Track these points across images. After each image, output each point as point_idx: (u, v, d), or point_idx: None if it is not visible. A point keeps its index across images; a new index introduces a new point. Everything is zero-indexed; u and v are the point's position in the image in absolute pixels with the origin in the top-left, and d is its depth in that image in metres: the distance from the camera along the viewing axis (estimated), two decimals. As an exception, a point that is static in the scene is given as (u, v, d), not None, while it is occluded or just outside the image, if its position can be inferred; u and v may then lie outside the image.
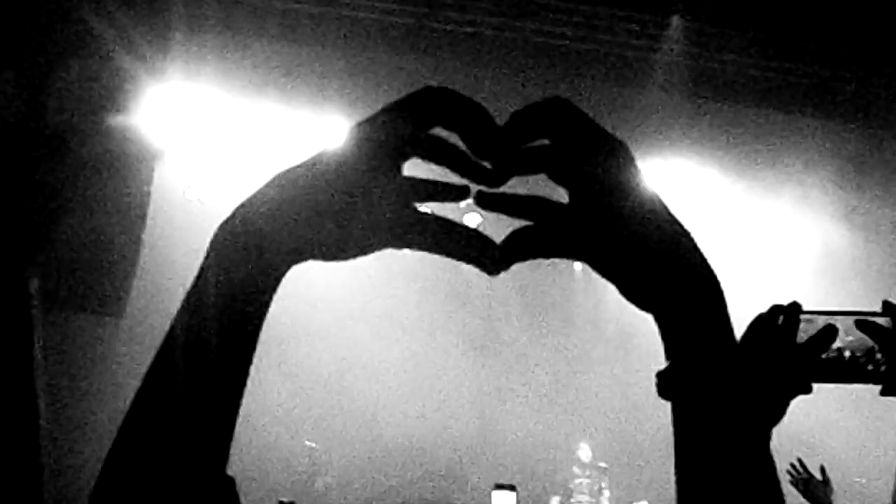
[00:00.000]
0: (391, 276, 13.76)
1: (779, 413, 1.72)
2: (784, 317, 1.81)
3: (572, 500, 12.23)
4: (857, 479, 11.34)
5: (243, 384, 0.92)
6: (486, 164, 0.91)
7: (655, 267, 0.90)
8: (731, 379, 0.89)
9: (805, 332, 1.80)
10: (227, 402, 0.91)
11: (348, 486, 12.85)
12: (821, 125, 12.25)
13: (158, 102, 11.92)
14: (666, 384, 0.93)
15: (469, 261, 0.91)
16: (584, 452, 12.49)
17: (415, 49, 11.80)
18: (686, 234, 0.92)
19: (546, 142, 0.92)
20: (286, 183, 0.92)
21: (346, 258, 0.93)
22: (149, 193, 12.01)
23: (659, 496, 12.57)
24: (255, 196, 0.93)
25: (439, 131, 0.94)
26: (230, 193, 12.78)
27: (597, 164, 0.90)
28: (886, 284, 12.19)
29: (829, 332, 1.79)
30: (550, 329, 13.95)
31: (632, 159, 0.91)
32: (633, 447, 13.59)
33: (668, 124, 12.79)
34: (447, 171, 0.93)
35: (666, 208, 0.92)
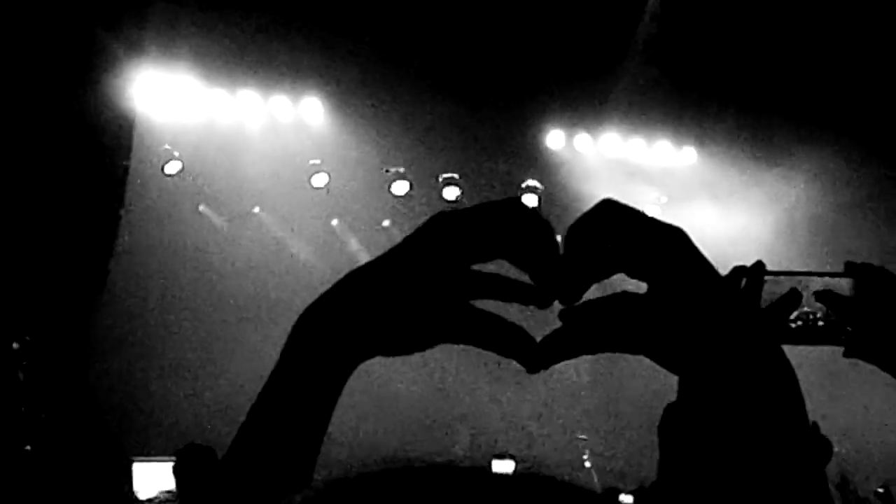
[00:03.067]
0: (370, 260, 13.77)
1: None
2: (748, 277, 1.81)
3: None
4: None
5: (316, 453, 0.99)
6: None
7: (717, 348, 0.92)
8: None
9: (770, 293, 1.80)
10: (301, 459, 0.98)
11: (350, 473, 12.87)
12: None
13: (137, 78, 11.88)
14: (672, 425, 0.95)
15: (511, 356, 0.95)
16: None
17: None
18: (748, 313, 0.96)
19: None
20: (358, 283, 0.98)
21: (404, 353, 0.98)
22: (126, 168, 11.97)
23: (639, 464, 12.72)
24: (330, 293, 0.98)
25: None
26: (208, 171, 12.75)
27: (662, 254, 0.93)
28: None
29: (794, 296, 1.80)
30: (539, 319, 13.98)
31: (690, 243, 0.95)
32: (614, 420, 13.71)
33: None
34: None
35: (726, 286, 0.97)
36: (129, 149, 11.95)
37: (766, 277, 1.81)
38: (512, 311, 0.96)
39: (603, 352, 0.96)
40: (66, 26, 10.23)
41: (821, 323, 1.83)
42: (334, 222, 13.77)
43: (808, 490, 0.90)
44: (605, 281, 0.97)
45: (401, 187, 13.29)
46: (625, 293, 0.94)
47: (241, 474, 0.97)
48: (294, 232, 13.47)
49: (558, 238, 0.96)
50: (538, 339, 0.96)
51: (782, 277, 1.83)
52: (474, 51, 11.83)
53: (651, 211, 13.23)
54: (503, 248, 0.95)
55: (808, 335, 1.82)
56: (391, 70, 12.21)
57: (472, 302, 0.96)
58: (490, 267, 0.97)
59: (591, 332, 0.94)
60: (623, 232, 0.94)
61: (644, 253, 0.93)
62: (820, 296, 1.80)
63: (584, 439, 12.78)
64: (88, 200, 11.05)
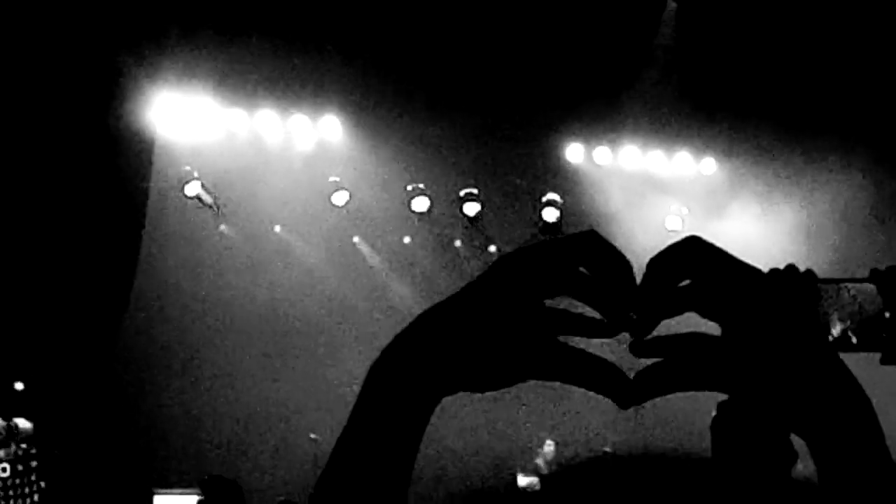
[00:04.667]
0: (394, 277, 13.79)
1: None
2: (804, 288, 1.80)
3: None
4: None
5: (405, 494, 0.97)
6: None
7: (806, 396, 0.92)
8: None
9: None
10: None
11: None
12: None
13: (157, 101, 11.95)
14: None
15: (604, 393, 0.94)
16: (548, 448, 12.76)
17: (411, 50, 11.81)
18: (835, 359, 0.93)
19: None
20: (437, 319, 0.96)
21: (492, 389, 0.96)
22: (147, 189, 12.03)
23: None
24: (409, 330, 0.96)
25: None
26: (229, 191, 12.80)
27: (744, 297, 0.92)
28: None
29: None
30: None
31: (776, 287, 0.94)
32: (603, 441, 13.66)
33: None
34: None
35: (816, 333, 0.94)
36: (149, 170, 12.02)
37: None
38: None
39: (691, 390, 0.94)
40: (87, 52, 10.31)
41: (855, 331, 1.82)
42: (355, 239, 13.78)
43: None
44: (675, 320, 0.95)
45: (421, 204, 13.29)
46: (700, 334, 0.93)
47: None
48: (315, 250, 13.48)
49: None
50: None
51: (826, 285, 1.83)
52: (492, 67, 11.85)
53: (672, 222, 13.29)
54: (578, 281, 0.94)
55: (842, 343, 1.81)
56: (409, 87, 12.24)
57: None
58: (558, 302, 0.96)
59: (682, 368, 0.93)
60: (705, 270, 0.93)
61: (724, 294, 0.92)
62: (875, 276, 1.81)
63: (612, 453, 12.72)
64: (110, 222, 11.11)
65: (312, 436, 11.82)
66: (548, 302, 0.95)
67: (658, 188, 13.64)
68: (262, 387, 12.82)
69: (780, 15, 11.43)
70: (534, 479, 12.56)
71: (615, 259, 0.93)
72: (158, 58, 11.59)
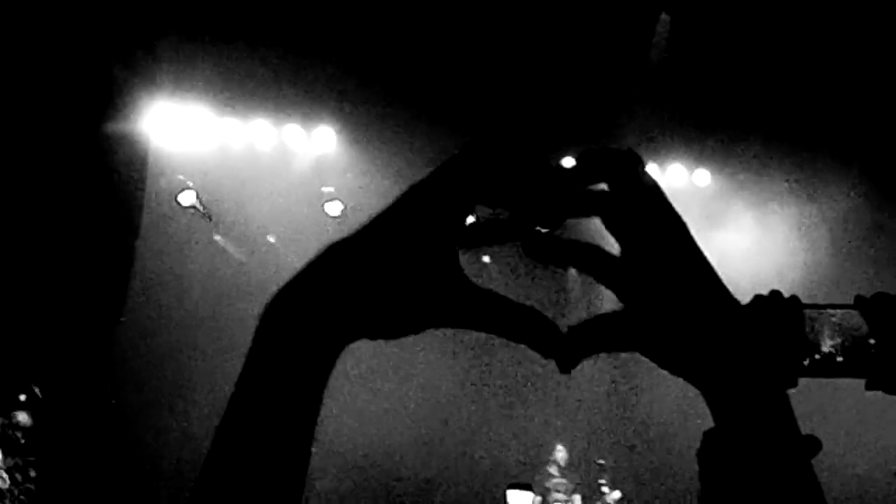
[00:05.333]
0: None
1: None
2: (788, 313, 1.81)
3: (549, 499, 12.43)
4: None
5: (307, 461, 0.85)
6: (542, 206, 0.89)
7: (706, 344, 0.87)
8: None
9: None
10: (290, 469, 0.85)
11: (346, 490, 12.89)
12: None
13: (150, 110, 11.95)
14: (709, 450, 0.92)
15: (531, 346, 0.86)
16: (561, 454, 12.70)
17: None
18: (734, 303, 0.91)
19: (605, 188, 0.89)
20: (337, 258, 0.88)
21: (397, 337, 0.87)
22: (141, 200, 12.02)
23: (627, 485, 12.70)
24: (306, 271, 0.88)
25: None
26: (222, 201, 12.79)
27: (652, 225, 0.88)
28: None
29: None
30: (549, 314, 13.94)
31: (686, 230, 0.89)
32: (615, 447, 13.67)
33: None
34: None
35: (718, 281, 0.90)
36: (143, 179, 12.01)
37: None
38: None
39: (623, 350, 0.89)
40: (81, 60, 10.31)
41: (840, 357, 1.83)
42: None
43: None
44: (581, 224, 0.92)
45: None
46: (598, 247, 0.89)
47: (221, 497, 0.82)
48: (309, 259, 13.48)
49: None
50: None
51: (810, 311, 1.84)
52: (486, 80, 11.87)
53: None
54: (487, 190, 0.89)
55: (828, 368, 1.83)
56: (404, 98, 12.26)
57: (475, 281, 0.87)
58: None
59: (615, 323, 0.87)
60: (628, 181, 0.88)
61: (634, 212, 0.88)
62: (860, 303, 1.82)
63: (602, 464, 12.74)
64: (103, 232, 11.10)
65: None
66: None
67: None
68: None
69: (774, 27, 11.46)
70: (616, 494, 12.56)
71: (529, 152, 0.89)
72: (153, 67, 11.60)
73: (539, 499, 12.46)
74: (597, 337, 0.88)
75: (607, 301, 0.91)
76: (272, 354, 0.84)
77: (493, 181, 0.89)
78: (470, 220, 0.89)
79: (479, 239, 0.91)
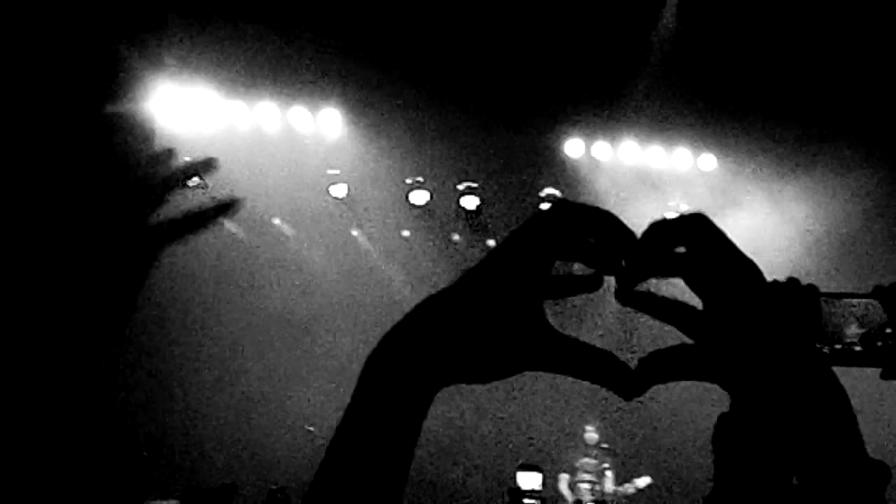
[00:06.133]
0: (393, 270, 13.80)
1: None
2: (805, 302, 1.80)
3: (577, 479, 12.46)
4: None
5: (403, 490, 0.96)
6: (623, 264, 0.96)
7: (774, 384, 0.93)
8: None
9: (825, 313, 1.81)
10: (389, 497, 0.95)
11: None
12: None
13: (156, 91, 11.93)
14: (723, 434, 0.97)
15: (605, 385, 0.95)
16: (590, 435, 12.72)
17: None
18: (808, 350, 0.96)
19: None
20: (432, 311, 0.96)
21: (489, 381, 0.96)
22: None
23: (659, 475, 12.68)
24: (406, 320, 0.97)
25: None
26: (227, 183, 12.79)
27: (732, 280, 0.95)
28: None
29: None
30: (556, 321, 13.97)
31: (763, 279, 0.96)
32: (636, 430, 13.69)
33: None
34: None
35: (790, 325, 0.96)
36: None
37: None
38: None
39: (690, 379, 0.97)
40: (85, 41, 10.30)
41: (857, 346, 1.82)
42: (354, 232, 13.79)
43: None
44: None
45: (420, 197, 13.30)
46: (684, 303, 0.96)
47: None
48: (314, 242, 13.49)
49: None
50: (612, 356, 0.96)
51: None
52: (492, 61, 11.83)
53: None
54: (573, 245, 0.97)
55: (844, 357, 1.82)
56: (409, 80, 12.23)
57: (556, 328, 0.96)
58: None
59: (680, 357, 0.95)
60: (703, 243, 0.95)
61: (714, 271, 0.95)
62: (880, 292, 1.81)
63: (608, 448, 12.76)
64: (105, 215, 11.09)
65: (309, 427, 11.83)
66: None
67: (657, 183, 13.64)
68: (258, 376, 12.84)
69: (784, 6, 11.41)
70: (646, 479, 12.57)
71: (608, 217, 0.95)
72: (158, 48, 11.57)
73: (567, 477, 12.52)
74: (664, 369, 0.95)
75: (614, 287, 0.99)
76: (374, 398, 0.96)
77: (574, 240, 0.97)
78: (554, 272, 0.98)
79: (561, 291, 0.99)
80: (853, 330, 1.83)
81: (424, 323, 0.96)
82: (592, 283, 0.98)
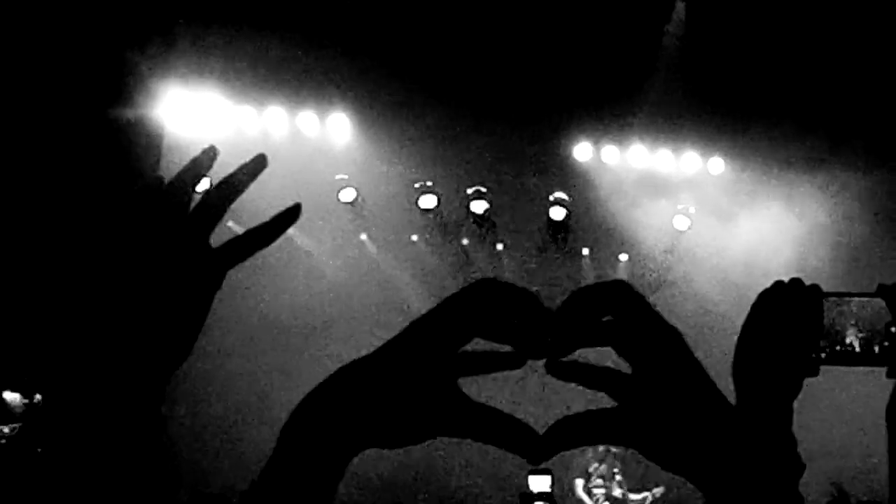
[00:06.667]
0: (401, 274, 13.79)
1: (795, 388, 1.73)
2: (806, 302, 1.80)
3: (591, 485, 12.46)
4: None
5: None
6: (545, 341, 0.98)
7: (705, 448, 0.96)
8: None
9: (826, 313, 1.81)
10: None
11: (358, 475, 12.90)
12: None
13: (165, 97, 11.97)
14: None
15: (511, 450, 0.98)
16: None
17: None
18: (733, 414, 0.98)
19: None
20: (350, 377, 1.01)
21: (402, 446, 1.01)
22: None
23: (671, 480, 12.64)
24: (325, 385, 1.01)
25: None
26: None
27: (657, 347, 0.97)
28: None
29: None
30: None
31: (685, 346, 0.98)
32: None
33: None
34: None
35: (716, 391, 0.98)
36: (158, 166, 12.03)
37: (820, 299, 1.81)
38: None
39: (600, 443, 1.00)
40: (95, 47, 10.33)
41: (861, 346, 1.82)
42: (362, 237, 13.79)
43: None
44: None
45: (428, 201, 13.29)
46: (614, 370, 0.98)
47: None
48: (322, 247, 13.49)
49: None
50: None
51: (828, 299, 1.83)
52: (501, 65, 11.84)
53: (679, 222, 13.27)
54: (483, 326, 0.99)
55: (848, 357, 1.82)
56: (417, 85, 12.24)
57: (466, 394, 0.99)
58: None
59: (589, 422, 0.98)
60: (625, 313, 0.97)
61: (640, 340, 0.97)
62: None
63: (616, 452, 12.72)
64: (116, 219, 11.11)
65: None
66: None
67: (666, 187, 13.62)
68: (264, 381, 12.83)
69: (792, 11, 11.39)
70: (660, 489, 12.55)
71: (520, 295, 0.98)
72: (167, 54, 11.61)
73: (582, 482, 12.51)
74: (573, 434, 0.98)
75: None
76: (292, 456, 1.01)
77: (494, 317, 0.98)
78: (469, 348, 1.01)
79: (475, 368, 1.01)
80: (854, 330, 1.84)
81: (340, 389, 1.00)
82: (514, 361, 0.99)
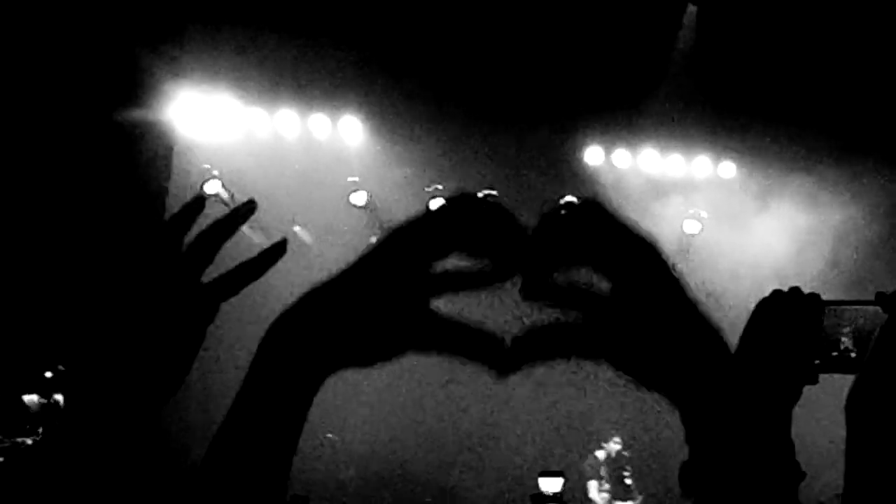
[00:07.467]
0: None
1: (794, 396, 1.73)
2: (807, 311, 1.81)
3: (603, 488, 12.49)
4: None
5: (288, 468, 1.02)
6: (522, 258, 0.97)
7: (683, 360, 0.95)
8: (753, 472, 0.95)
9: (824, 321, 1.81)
10: (274, 474, 1.01)
11: (370, 478, 12.90)
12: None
13: (176, 99, 11.99)
14: (688, 478, 0.98)
15: (478, 361, 0.97)
16: (611, 445, 12.71)
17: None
18: (712, 326, 0.98)
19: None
20: (320, 297, 1.01)
21: (374, 364, 1.00)
22: (166, 189, 12.07)
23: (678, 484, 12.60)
24: (294, 308, 1.01)
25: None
26: (247, 190, 12.83)
27: (635, 260, 0.96)
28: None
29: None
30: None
31: (662, 256, 0.97)
32: (653, 438, 13.63)
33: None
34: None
35: (693, 301, 0.97)
36: (169, 168, 12.06)
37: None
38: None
39: (569, 357, 0.97)
40: (107, 49, 10.35)
41: (859, 353, 1.83)
42: (374, 240, 13.75)
43: None
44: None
45: (439, 204, 13.29)
46: (590, 290, 0.96)
47: (215, 491, 0.99)
48: (334, 250, 13.49)
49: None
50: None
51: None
52: (512, 69, 11.84)
53: (690, 226, 13.25)
54: (461, 240, 0.99)
55: (847, 364, 1.82)
56: (429, 88, 12.25)
57: (436, 309, 0.98)
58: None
59: (560, 332, 0.95)
60: (600, 232, 0.96)
61: (616, 257, 0.96)
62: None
63: (627, 457, 12.73)
64: (129, 220, 11.14)
65: (329, 435, 11.83)
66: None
67: (677, 191, 13.61)
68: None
69: (803, 14, 11.37)
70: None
71: (496, 212, 0.99)
72: (179, 56, 11.63)
73: (596, 483, 12.55)
74: (539, 347, 0.97)
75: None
76: (266, 378, 1.00)
77: (474, 233, 0.99)
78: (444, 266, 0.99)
79: (449, 286, 1.00)
80: (855, 337, 1.84)
81: (311, 310, 1.00)
82: (488, 279, 0.97)
